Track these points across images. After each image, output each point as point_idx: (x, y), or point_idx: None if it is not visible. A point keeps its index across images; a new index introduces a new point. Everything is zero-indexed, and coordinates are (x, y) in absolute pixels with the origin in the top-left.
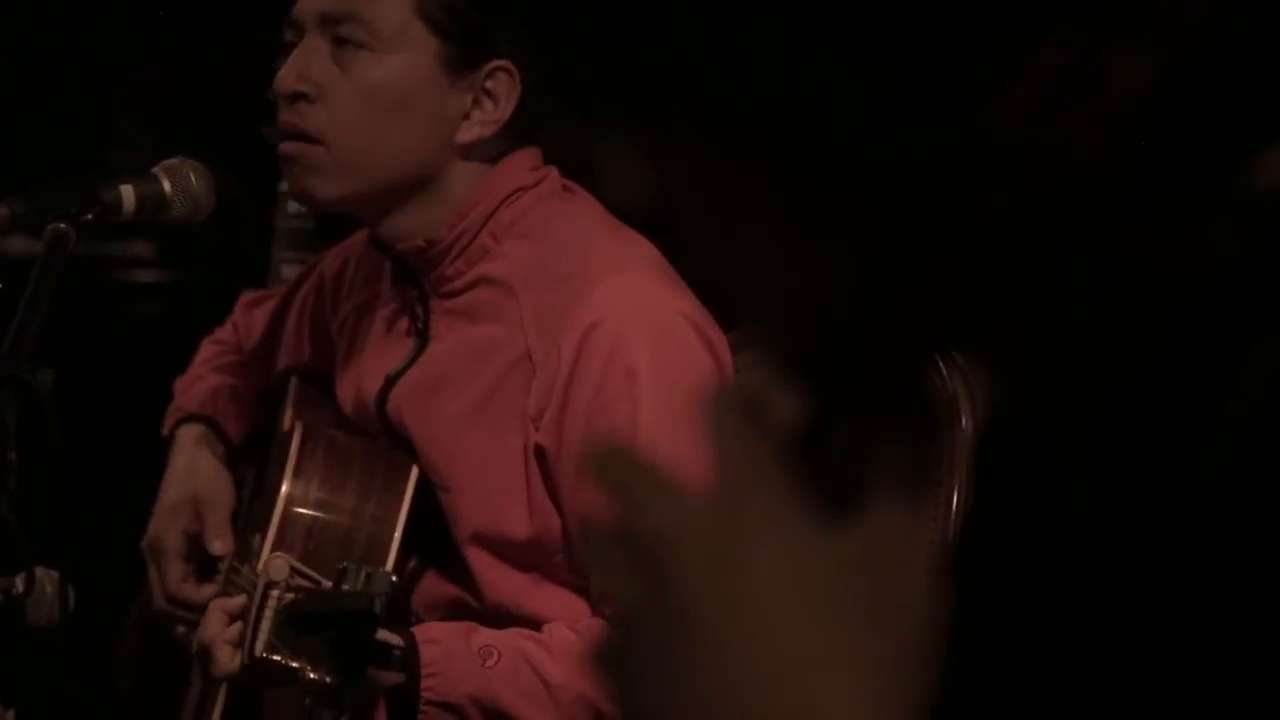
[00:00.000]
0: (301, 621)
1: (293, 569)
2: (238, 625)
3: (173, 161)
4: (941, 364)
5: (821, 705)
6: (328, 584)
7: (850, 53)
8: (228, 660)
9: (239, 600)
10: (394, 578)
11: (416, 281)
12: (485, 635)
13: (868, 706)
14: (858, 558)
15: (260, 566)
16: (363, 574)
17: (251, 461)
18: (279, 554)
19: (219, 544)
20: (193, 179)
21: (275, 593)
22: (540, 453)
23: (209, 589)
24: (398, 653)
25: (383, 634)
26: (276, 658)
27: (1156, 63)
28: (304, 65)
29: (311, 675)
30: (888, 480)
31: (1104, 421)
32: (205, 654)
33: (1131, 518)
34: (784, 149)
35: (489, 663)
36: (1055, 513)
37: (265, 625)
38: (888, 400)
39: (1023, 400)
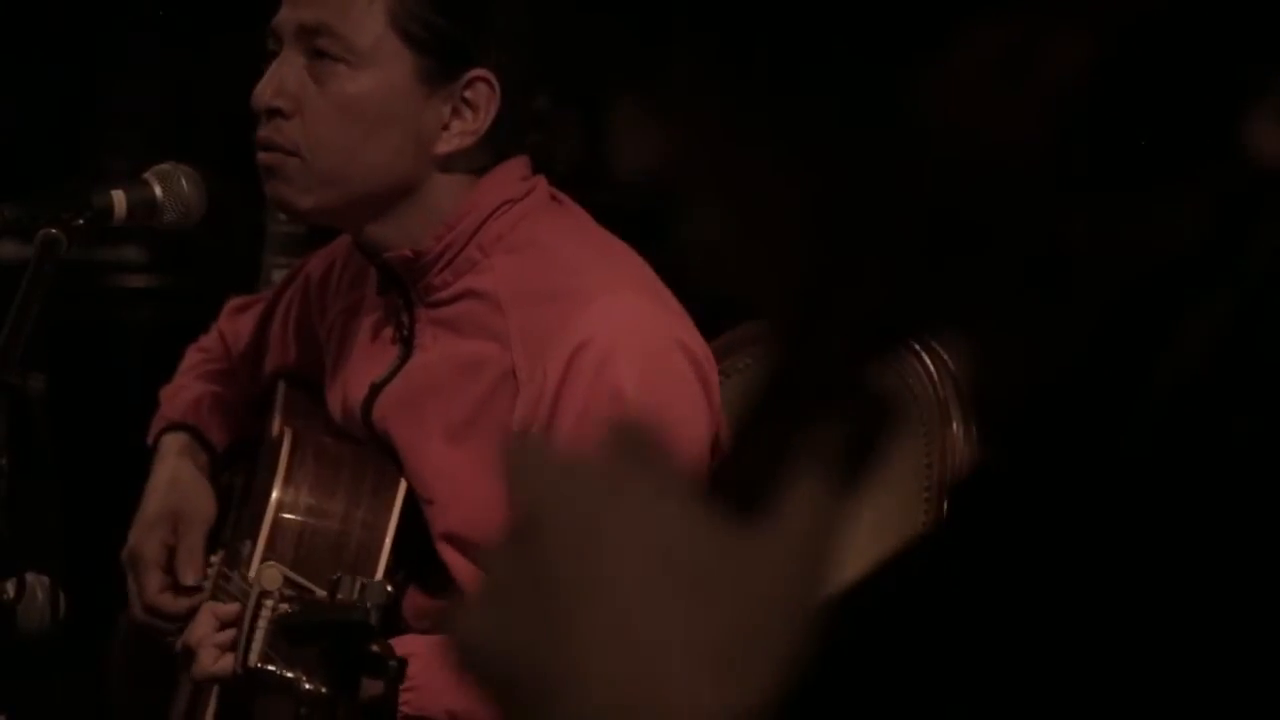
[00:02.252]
0: (296, 632)
1: (286, 578)
2: (228, 631)
3: (164, 166)
4: (933, 368)
5: (662, 687)
6: (321, 593)
7: (785, 38)
8: (210, 662)
9: (231, 607)
10: (389, 588)
11: (402, 290)
12: None
13: (712, 696)
14: (742, 546)
15: (253, 575)
16: (357, 584)
17: (239, 467)
18: (272, 563)
19: (189, 574)
20: (184, 184)
21: (269, 603)
22: None
23: (187, 600)
24: (393, 663)
25: (377, 645)
26: (271, 668)
27: (1092, 45)
28: (280, 80)
29: (307, 686)
30: (814, 470)
31: (1042, 408)
32: (190, 654)
33: (1071, 510)
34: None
35: None
36: (1012, 503)
37: (259, 635)
38: (829, 391)
39: (975, 390)
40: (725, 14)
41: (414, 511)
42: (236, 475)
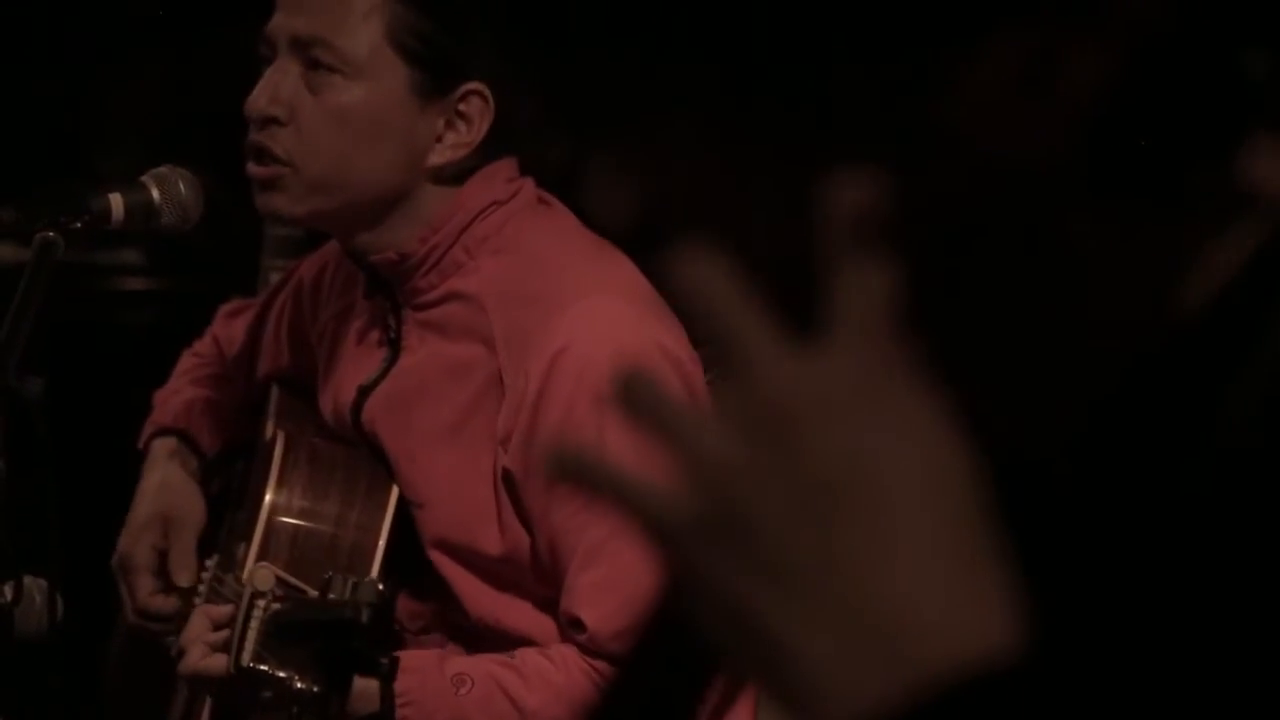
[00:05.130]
0: (288, 631)
1: (278, 579)
2: (221, 632)
3: (161, 170)
4: None
5: (935, 609)
6: (314, 594)
7: (812, 55)
8: (198, 658)
9: (225, 608)
10: (380, 586)
11: (389, 292)
12: (458, 663)
13: (985, 612)
14: (962, 446)
15: (245, 576)
16: (349, 583)
17: (232, 470)
18: (264, 564)
19: (183, 576)
20: (181, 187)
21: (262, 603)
22: (508, 476)
23: (179, 602)
24: (384, 662)
25: (368, 643)
26: (264, 667)
27: (1110, 58)
28: (275, 88)
29: (299, 685)
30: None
31: (1091, 435)
32: (181, 654)
33: (1128, 533)
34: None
35: (463, 690)
36: (1045, 533)
37: (252, 635)
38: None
39: (998, 418)
40: (740, 34)
41: (408, 513)
42: (230, 479)
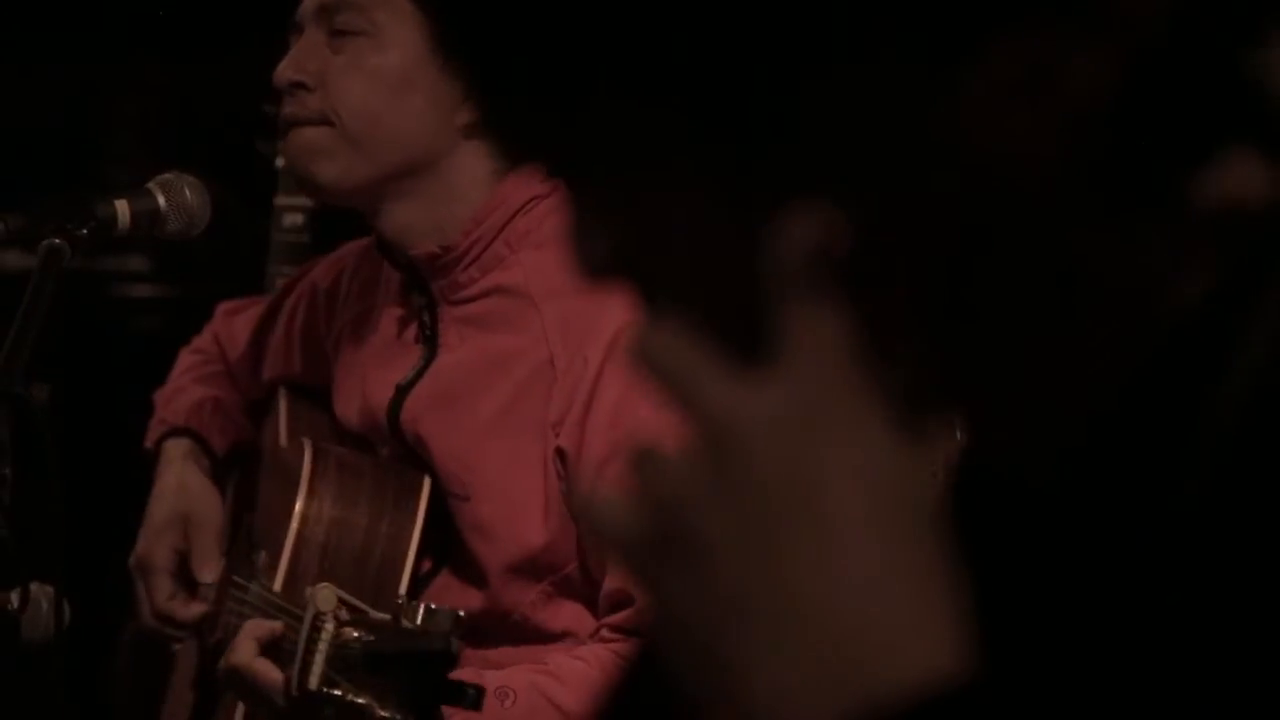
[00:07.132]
0: (369, 659)
1: (340, 599)
2: (272, 630)
3: (167, 176)
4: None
5: (885, 627)
6: (378, 616)
7: (807, 60)
8: (248, 655)
9: (277, 624)
10: (460, 613)
11: (425, 289)
12: (495, 677)
13: (936, 630)
14: (918, 468)
15: (307, 595)
16: (421, 610)
17: (233, 472)
18: (327, 584)
19: (206, 572)
20: (188, 193)
21: (329, 625)
22: (561, 455)
23: (198, 607)
24: (471, 691)
25: (457, 673)
26: (336, 691)
27: (1114, 63)
28: (301, 56)
29: (381, 713)
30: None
31: (1083, 449)
32: (235, 675)
33: (1120, 547)
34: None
35: (507, 703)
36: (1037, 547)
37: (319, 658)
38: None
39: (993, 431)
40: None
41: (437, 519)
42: (228, 482)
